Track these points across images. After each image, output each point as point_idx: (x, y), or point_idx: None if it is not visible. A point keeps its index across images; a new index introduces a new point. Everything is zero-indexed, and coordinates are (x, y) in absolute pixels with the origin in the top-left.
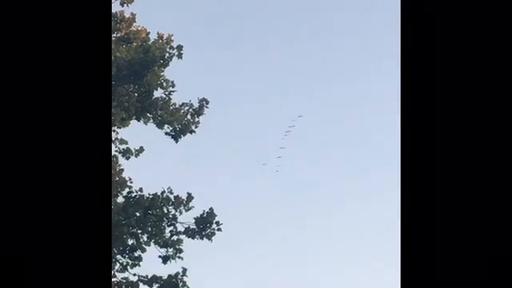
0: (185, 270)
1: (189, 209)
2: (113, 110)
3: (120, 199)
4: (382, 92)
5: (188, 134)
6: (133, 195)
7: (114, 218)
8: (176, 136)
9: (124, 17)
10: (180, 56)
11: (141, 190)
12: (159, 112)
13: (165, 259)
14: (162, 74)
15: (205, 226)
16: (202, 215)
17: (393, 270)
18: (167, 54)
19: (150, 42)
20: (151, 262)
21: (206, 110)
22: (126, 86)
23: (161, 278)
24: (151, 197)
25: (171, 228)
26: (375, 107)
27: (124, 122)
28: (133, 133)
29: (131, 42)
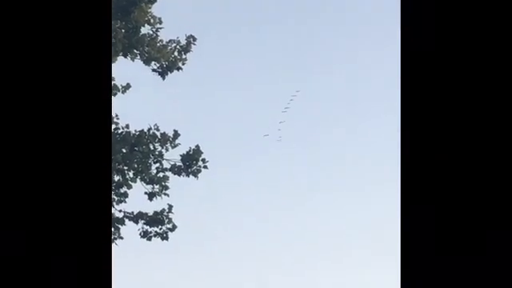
0: (170, 207)
1: (175, 146)
2: None
3: None
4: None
5: (175, 71)
6: (119, 132)
7: None
8: (163, 73)
9: None
10: None
11: (127, 126)
12: (146, 49)
13: (151, 196)
14: (149, 10)
15: (191, 163)
16: (188, 152)
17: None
18: None
19: None
20: (137, 198)
21: (193, 47)
22: (112, 22)
23: (146, 214)
24: (137, 133)
25: (157, 165)
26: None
27: None
28: (119, 69)
29: None
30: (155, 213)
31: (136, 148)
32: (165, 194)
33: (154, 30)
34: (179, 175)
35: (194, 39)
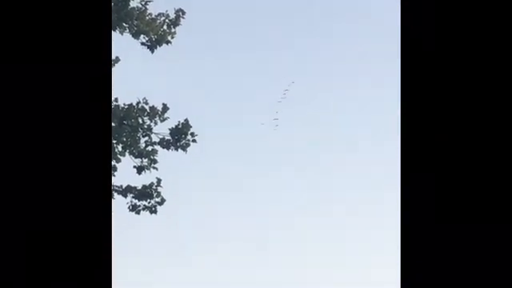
0: (159, 181)
1: (164, 119)
2: None
3: None
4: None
5: (164, 45)
6: None
7: None
8: (152, 46)
9: None
10: None
11: (116, 100)
12: (135, 22)
13: (139, 169)
14: None
15: (180, 136)
16: (177, 126)
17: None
18: None
19: None
20: (126, 172)
21: (182, 21)
22: None
23: (135, 188)
24: (126, 107)
25: (146, 138)
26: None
27: None
28: None
29: None
30: (144, 186)
31: (125, 122)
32: (153, 168)
33: (142, 3)
34: (168, 149)
35: (183, 13)
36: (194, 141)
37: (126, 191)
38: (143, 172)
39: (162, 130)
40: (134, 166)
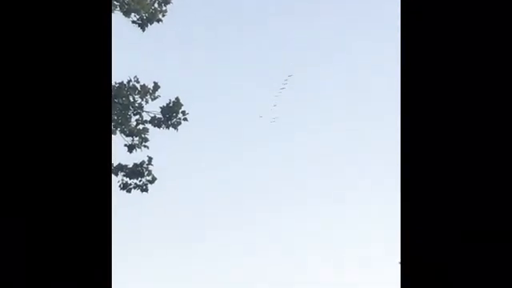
0: (150, 159)
1: (155, 98)
2: None
3: None
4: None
5: (155, 23)
6: None
7: None
8: (143, 25)
9: None
10: None
11: None
12: (126, 0)
13: (130, 148)
14: None
15: (171, 115)
16: (168, 104)
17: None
18: None
19: None
20: (117, 150)
21: None
22: None
23: (126, 166)
24: (117, 85)
25: (137, 117)
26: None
27: None
28: None
29: None
30: (135, 165)
31: (116, 100)
32: (144, 146)
33: None
34: (159, 127)
35: None
36: (185, 119)
37: (116, 169)
38: (134, 150)
39: (153, 108)
40: (125, 145)
